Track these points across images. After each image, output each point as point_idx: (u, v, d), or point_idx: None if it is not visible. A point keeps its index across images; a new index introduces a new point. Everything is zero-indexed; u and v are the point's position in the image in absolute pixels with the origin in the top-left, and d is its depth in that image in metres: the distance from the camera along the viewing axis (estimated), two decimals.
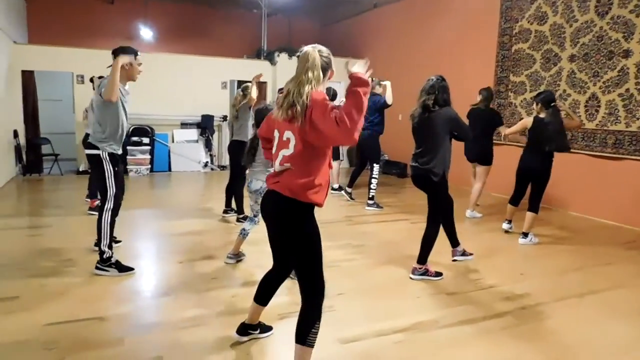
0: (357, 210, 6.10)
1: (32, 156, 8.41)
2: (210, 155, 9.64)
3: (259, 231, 3.20)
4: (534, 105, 4.90)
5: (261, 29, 10.65)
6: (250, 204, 4.00)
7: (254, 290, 2.81)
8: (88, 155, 3.74)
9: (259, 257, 3.97)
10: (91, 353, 2.51)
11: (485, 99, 5.67)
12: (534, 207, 4.83)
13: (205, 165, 9.46)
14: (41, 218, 5.47)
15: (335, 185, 7.12)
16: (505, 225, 5.23)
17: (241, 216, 5.32)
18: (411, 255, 4.25)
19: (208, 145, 9.57)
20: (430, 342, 2.75)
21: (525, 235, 4.88)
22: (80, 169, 8.54)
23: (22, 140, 8.25)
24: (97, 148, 3.64)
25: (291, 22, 11.93)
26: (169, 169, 9.24)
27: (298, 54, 2.16)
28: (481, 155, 5.76)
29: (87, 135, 4.94)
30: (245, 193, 4.33)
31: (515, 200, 5.10)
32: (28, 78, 8.37)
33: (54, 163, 8.49)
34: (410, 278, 3.75)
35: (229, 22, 11.46)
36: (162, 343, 2.64)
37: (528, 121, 4.87)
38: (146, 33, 10.76)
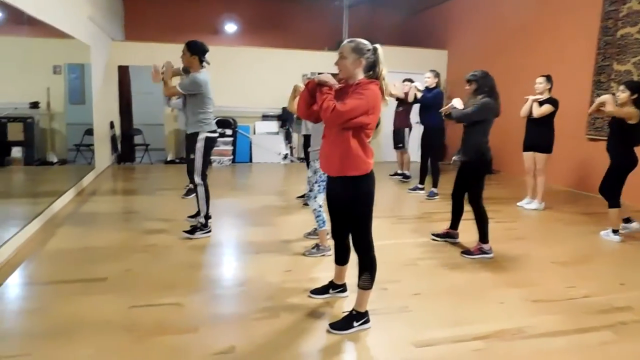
0: (437, 207, 5.85)
1: (125, 146, 9.00)
2: (290, 147, 9.75)
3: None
4: (628, 94, 4.41)
5: (342, 20, 10.57)
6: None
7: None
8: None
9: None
10: (167, 338, 2.58)
11: None
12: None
13: (285, 157, 9.60)
14: (131, 203, 5.83)
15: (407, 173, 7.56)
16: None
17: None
18: (495, 255, 4.01)
19: (288, 138, 9.69)
20: (514, 353, 2.53)
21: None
22: (168, 159, 9.00)
23: (117, 131, 8.86)
24: None
25: (373, 12, 11.71)
26: (250, 160, 9.48)
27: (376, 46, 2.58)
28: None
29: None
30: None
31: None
32: (123, 73, 8.96)
33: (145, 152, 9.04)
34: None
35: (310, 14, 11.48)
36: (235, 333, 2.66)
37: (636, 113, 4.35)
38: (230, 27, 11.09)
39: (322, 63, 9.93)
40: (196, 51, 4.23)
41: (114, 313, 2.85)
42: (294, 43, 10.39)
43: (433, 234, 4.49)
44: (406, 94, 6.87)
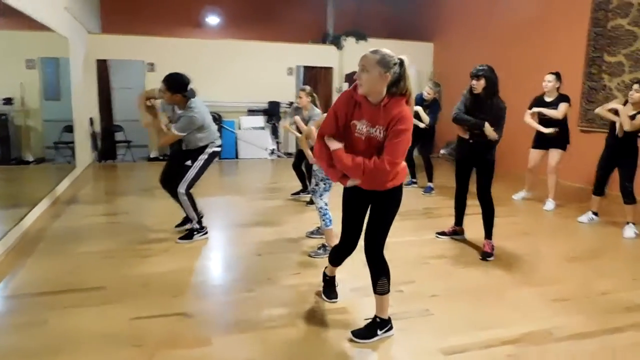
0: (436, 202, 5.75)
1: (106, 143, 8.64)
2: (277, 142, 9.53)
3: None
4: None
5: (327, 12, 10.37)
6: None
7: (340, 289, 3.06)
8: None
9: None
10: (180, 352, 2.39)
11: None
12: None
13: (272, 152, 9.38)
14: (118, 204, 5.54)
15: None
16: None
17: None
18: (505, 252, 3.92)
19: (274, 132, 9.46)
20: (548, 358, 2.42)
21: None
22: (152, 156, 8.69)
23: (97, 127, 8.48)
24: None
25: (359, 4, 11.48)
26: (236, 156, 9.22)
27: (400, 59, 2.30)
28: None
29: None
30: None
31: None
32: (102, 67, 8.58)
33: (127, 150, 8.70)
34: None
35: (294, 6, 11.20)
36: (252, 345, 2.47)
37: None
38: (212, 20, 10.77)
39: (307, 56, 9.75)
40: (176, 88, 3.76)
41: (116, 325, 2.63)
42: (278, 36, 10.15)
43: (438, 233, 4.37)
44: None
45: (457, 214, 4.30)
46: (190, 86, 3.85)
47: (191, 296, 3.06)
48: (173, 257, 3.73)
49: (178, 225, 4.39)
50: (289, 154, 9.59)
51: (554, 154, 5.41)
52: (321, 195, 3.72)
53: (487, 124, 3.73)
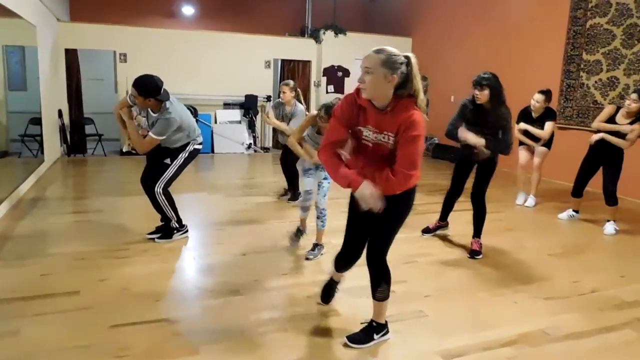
0: (419, 198, 5.67)
1: (76, 136, 8.29)
2: (254, 136, 9.34)
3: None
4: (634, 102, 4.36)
5: (305, 5, 10.20)
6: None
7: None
8: None
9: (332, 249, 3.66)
10: None
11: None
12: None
13: (249, 146, 9.18)
14: (90, 202, 5.28)
15: None
16: None
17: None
18: (492, 250, 3.90)
19: (251, 127, 9.26)
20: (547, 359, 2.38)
21: None
22: (124, 150, 8.38)
23: (66, 120, 8.12)
24: None
25: None
26: (212, 151, 8.99)
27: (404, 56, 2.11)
28: None
29: None
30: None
31: None
32: (72, 57, 8.21)
33: (98, 143, 8.36)
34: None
35: None
36: (243, 353, 2.33)
37: None
38: (187, 10, 10.46)
39: (285, 50, 9.56)
40: (148, 93, 3.48)
41: (95, 334, 2.45)
42: (255, 28, 9.92)
43: (423, 231, 4.31)
44: None
45: (444, 211, 4.25)
46: (163, 87, 3.58)
47: (174, 300, 2.90)
48: (152, 258, 3.55)
49: (151, 233, 4.01)
50: (265, 149, 9.43)
51: (540, 153, 5.43)
52: (324, 196, 3.60)
53: (479, 146, 3.58)
